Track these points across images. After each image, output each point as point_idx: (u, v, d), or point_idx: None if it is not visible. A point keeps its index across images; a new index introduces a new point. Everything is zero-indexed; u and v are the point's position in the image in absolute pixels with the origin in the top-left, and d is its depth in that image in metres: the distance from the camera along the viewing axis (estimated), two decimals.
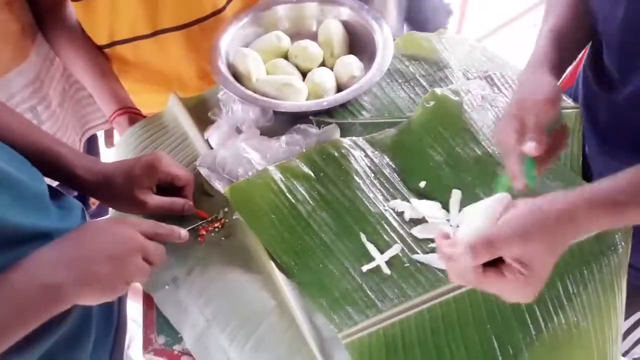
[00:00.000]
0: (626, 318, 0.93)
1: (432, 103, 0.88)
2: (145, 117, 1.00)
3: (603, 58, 0.74)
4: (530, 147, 0.61)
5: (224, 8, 1.05)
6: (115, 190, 0.76)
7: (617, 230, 0.77)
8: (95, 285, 0.60)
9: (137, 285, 0.77)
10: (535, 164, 0.63)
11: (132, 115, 0.98)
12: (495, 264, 0.54)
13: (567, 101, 0.93)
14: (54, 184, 0.77)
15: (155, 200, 0.78)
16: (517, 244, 0.53)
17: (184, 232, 0.73)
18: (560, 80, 0.70)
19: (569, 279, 0.73)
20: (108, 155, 1.26)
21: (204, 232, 0.80)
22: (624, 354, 1.04)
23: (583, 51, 0.81)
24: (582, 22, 0.73)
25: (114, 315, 0.81)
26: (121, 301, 0.84)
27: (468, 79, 0.97)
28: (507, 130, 0.64)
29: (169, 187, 0.81)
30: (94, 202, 1.19)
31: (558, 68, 0.69)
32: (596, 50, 0.76)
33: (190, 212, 0.80)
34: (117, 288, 0.62)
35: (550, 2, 0.77)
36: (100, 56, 1.03)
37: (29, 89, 0.99)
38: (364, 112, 0.94)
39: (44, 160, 0.72)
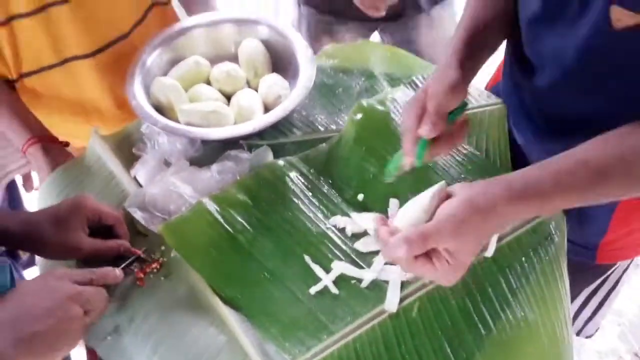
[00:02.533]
0: (573, 298, 0.96)
1: (360, 115, 0.87)
2: (60, 143, 0.95)
3: (523, 47, 0.77)
4: (424, 129, 0.66)
5: (129, 32, 1.02)
6: (45, 237, 0.73)
7: (551, 220, 0.79)
8: (37, 345, 0.57)
9: None
10: (429, 148, 0.68)
11: (47, 144, 0.93)
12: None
13: (492, 97, 0.95)
14: None
15: (90, 242, 0.74)
16: (451, 238, 0.56)
17: (118, 271, 0.72)
18: (478, 75, 0.75)
19: (511, 274, 0.75)
20: (31, 200, 1.20)
21: (142, 275, 0.76)
22: (578, 333, 1.07)
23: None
24: (497, 22, 0.76)
25: None
26: None
27: (392, 86, 0.97)
28: (409, 112, 0.69)
29: (102, 231, 0.77)
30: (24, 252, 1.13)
31: (468, 63, 0.72)
32: (517, 40, 0.78)
33: (127, 253, 0.77)
34: (60, 346, 0.59)
35: (469, 2, 0.79)
36: (3, 88, 0.98)
37: None
38: (295, 130, 0.93)
39: None
